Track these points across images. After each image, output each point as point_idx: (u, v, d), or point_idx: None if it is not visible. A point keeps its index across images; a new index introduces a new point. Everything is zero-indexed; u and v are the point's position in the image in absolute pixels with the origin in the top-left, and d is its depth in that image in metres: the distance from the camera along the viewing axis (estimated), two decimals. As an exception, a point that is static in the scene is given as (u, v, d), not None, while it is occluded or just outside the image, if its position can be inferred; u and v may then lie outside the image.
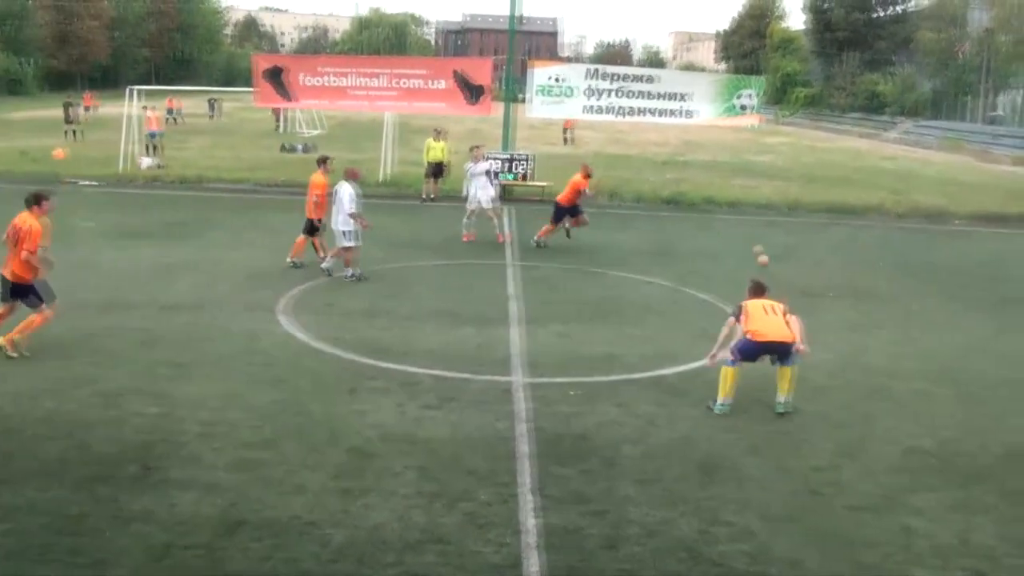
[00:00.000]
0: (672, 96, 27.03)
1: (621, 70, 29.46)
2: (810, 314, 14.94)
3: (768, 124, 66.07)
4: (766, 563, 7.20)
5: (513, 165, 27.26)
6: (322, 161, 17.07)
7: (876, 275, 18.86)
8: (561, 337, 13.01)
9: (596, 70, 28.16)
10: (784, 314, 10.69)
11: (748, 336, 10.48)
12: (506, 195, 25.67)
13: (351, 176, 16.08)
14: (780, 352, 10.50)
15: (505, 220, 21.06)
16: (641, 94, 26.95)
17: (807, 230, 24.73)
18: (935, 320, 15.61)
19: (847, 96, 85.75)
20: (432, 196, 26.22)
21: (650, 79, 27.65)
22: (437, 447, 8.98)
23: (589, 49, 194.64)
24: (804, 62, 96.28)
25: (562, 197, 19.84)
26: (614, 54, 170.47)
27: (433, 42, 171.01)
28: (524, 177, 27.39)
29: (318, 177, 16.57)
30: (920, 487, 8.86)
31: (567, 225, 19.88)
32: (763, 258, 15.36)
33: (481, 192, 19.94)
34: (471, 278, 16.85)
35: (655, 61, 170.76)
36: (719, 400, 10.42)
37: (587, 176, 19.57)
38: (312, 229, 16.71)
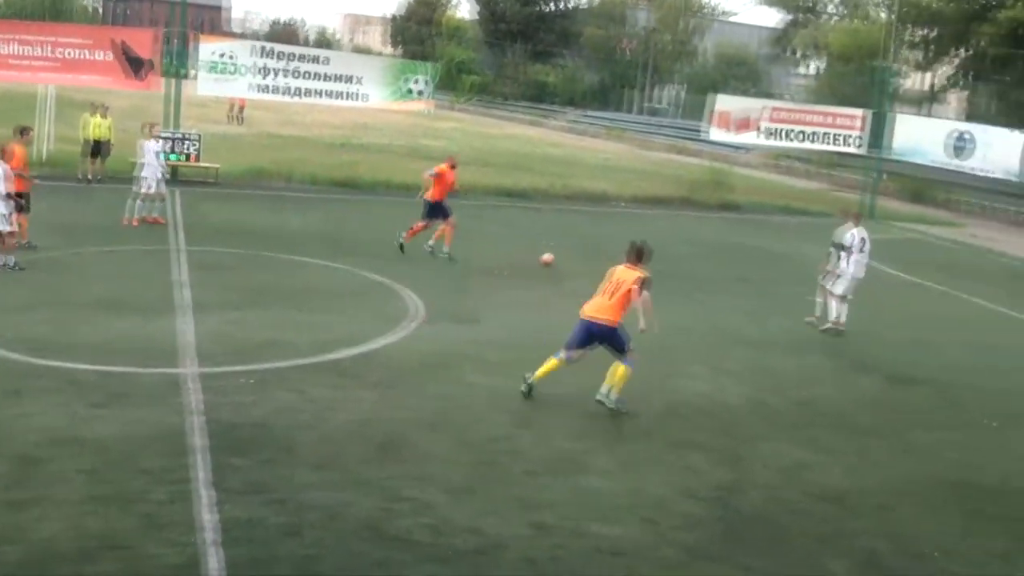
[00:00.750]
0: (344, 78, 26.80)
1: (292, 49, 28.85)
2: (488, 293, 15.52)
3: (440, 110, 67.29)
4: (448, 534, 7.33)
5: (180, 144, 25.92)
6: (22, 131, 15.95)
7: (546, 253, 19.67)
8: (233, 324, 12.52)
9: (266, 48, 27.37)
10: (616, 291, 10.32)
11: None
12: (173, 177, 24.44)
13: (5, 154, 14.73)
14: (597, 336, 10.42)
15: (168, 203, 19.96)
16: (313, 75, 26.49)
17: (481, 213, 25.37)
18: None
19: (517, 85, 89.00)
20: (95, 177, 24.48)
21: (324, 60, 27.28)
22: (108, 447, 8.39)
23: (259, 26, 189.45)
24: (475, 51, 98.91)
25: (432, 193, 18.12)
26: (285, 32, 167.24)
27: (95, 8, 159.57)
28: (191, 158, 26.13)
29: (18, 148, 15.19)
30: (593, 448, 9.48)
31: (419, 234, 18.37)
32: (546, 256, 16.94)
33: (151, 172, 18.87)
34: (137, 265, 15.86)
35: (327, 42, 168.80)
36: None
37: (453, 167, 18.59)
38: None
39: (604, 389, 10.61)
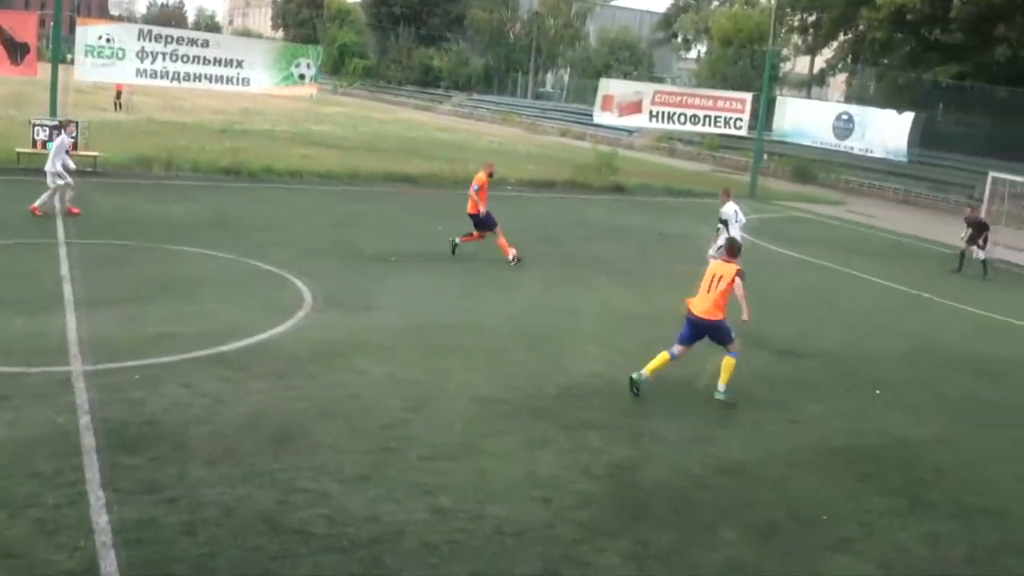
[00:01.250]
0: (228, 62, 26.26)
1: (176, 32, 28.09)
2: (376, 279, 15.42)
3: (326, 94, 66.54)
4: (345, 524, 7.27)
5: (59, 132, 24.97)
6: None
7: (438, 240, 19.63)
8: (120, 319, 12.12)
9: (149, 31, 26.56)
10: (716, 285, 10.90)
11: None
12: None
13: None
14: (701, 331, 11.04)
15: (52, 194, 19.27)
16: (197, 59, 25.90)
17: (369, 198, 25.21)
18: (494, 279, 16.62)
19: (403, 69, 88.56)
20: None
21: (206, 43, 26.62)
22: (-5, 451, 8.06)
23: (141, 8, 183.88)
24: (361, 34, 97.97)
25: (474, 207, 17.86)
26: (167, 15, 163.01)
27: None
28: (75, 147, 25.25)
29: None
30: (487, 431, 9.50)
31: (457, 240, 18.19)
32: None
33: (62, 164, 18.46)
34: (19, 259, 15.24)
35: (210, 25, 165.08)
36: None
37: (490, 175, 18.23)
38: None
39: (716, 382, 11.22)
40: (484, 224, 18.02)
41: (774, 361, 13.34)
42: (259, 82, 27.01)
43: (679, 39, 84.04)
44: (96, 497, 7.32)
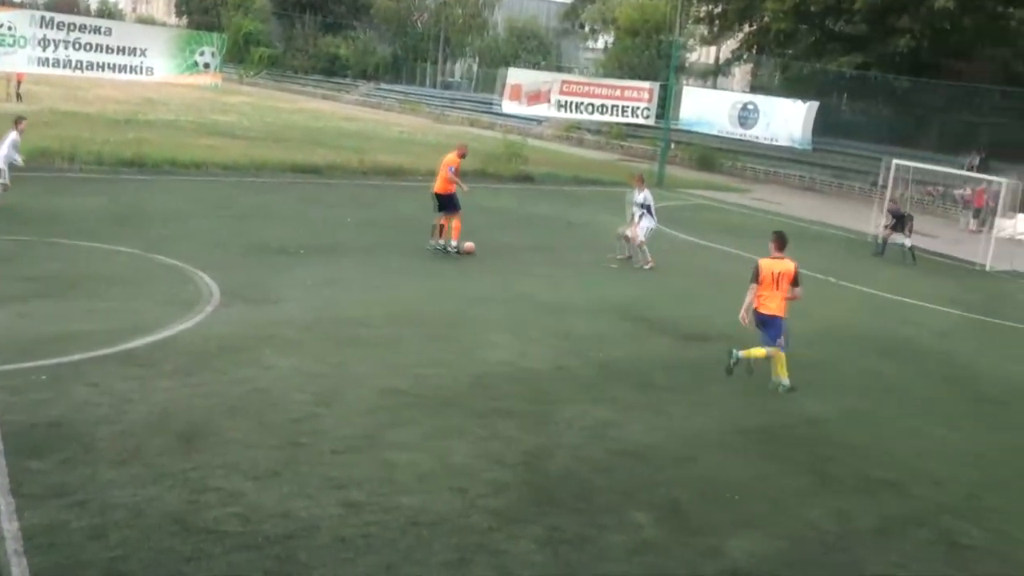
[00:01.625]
0: (128, 50, 25.54)
1: (77, 20, 27.25)
2: (282, 272, 15.28)
3: (231, 83, 65.41)
4: (258, 521, 7.23)
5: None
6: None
7: (344, 230, 19.56)
8: (21, 317, 11.78)
9: (51, 19, 25.72)
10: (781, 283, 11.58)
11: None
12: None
13: None
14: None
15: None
16: (99, 47, 25.13)
17: (275, 190, 24.92)
18: (404, 269, 16.60)
19: (308, 58, 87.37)
20: None
21: (108, 31, 25.86)
22: None
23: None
24: (265, 22, 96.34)
25: (448, 188, 18.20)
26: (68, 2, 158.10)
27: None
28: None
29: None
30: (399, 422, 9.52)
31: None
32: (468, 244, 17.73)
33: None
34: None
35: (112, 12, 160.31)
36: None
37: (462, 156, 18.64)
38: None
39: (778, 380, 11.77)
40: (452, 206, 18.17)
41: (679, 346, 13.63)
42: (162, 71, 26.41)
43: (585, 29, 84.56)
44: (7, 503, 7.15)
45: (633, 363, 12.45)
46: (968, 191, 33.16)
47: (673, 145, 42.37)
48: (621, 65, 58.03)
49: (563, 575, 7.04)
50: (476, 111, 60.37)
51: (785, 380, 11.72)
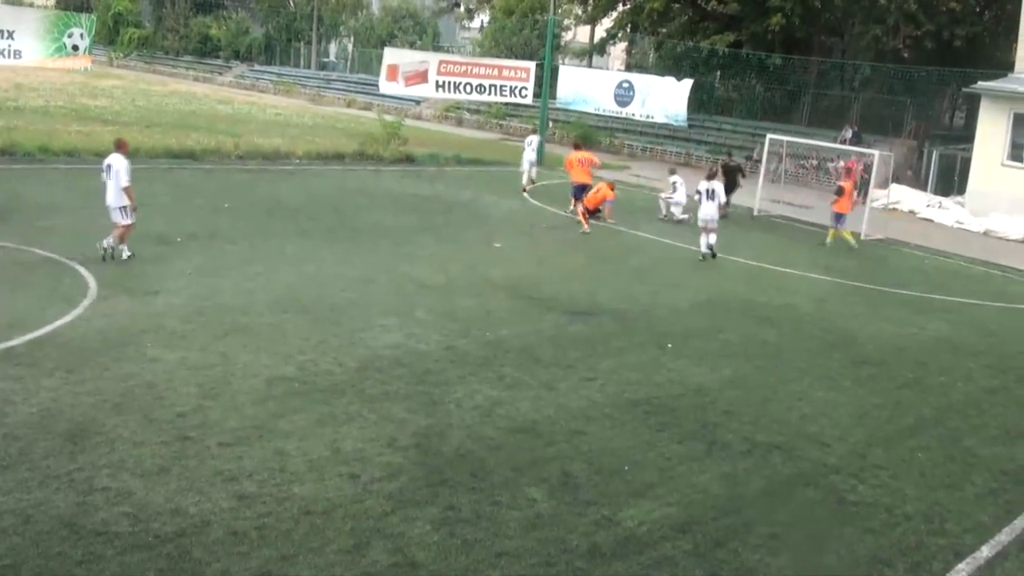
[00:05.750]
0: (-1, 33, 24.62)
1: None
2: (161, 261, 14.97)
3: (102, 66, 63.32)
4: (149, 520, 7.13)
5: None
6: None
7: (223, 217, 19.20)
8: None
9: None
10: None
11: None
12: None
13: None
14: None
15: None
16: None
17: (150, 176, 24.18)
18: (286, 254, 16.38)
19: (180, 39, 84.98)
20: None
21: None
22: None
23: None
24: (135, 1, 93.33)
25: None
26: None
27: None
28: None
29: None
30: (287, 411, 9.46)
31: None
32: None
33: None
34: None
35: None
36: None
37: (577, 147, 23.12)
38: None
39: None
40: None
41: (565, 321, 13.83)
42: (31, 54, 25.38)
43: (462, 8, 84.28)
44: None
45: (521, 340, 12.60)
46: (841, 163, 34.30)
47: (552, 124, 42.67)
48: (499, 45, 58.06)
49: (461, 554, 7.13)
50: (353, 92, 59.73)
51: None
